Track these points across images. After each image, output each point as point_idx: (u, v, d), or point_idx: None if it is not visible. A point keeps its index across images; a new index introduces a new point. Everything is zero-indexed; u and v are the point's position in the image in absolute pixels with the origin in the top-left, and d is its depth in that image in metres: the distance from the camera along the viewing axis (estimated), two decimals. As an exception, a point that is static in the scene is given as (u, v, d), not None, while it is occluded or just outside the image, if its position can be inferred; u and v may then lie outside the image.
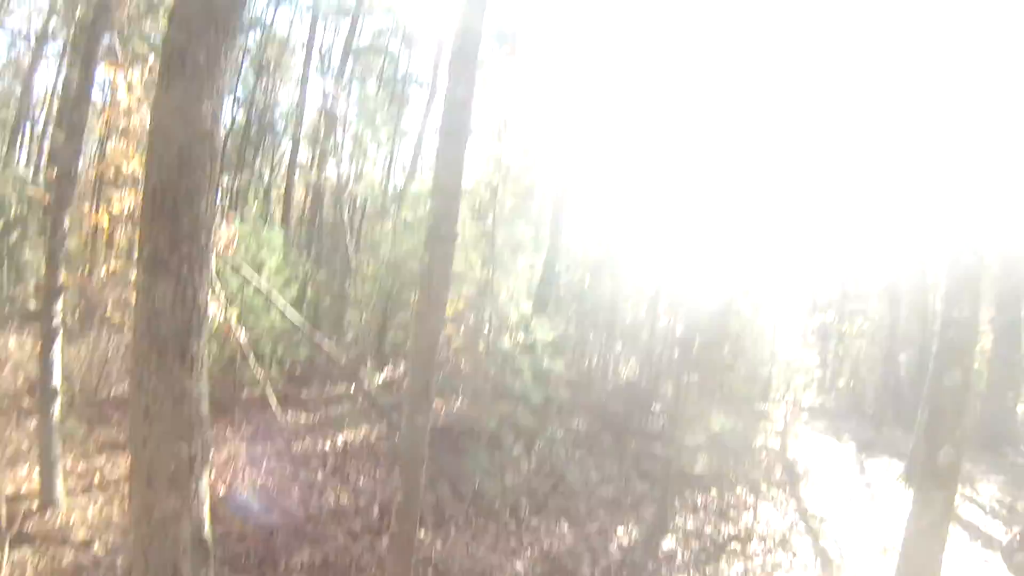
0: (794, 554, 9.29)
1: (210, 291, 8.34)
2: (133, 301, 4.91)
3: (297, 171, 18.97)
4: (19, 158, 17.45)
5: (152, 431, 4.97)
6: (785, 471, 13.41)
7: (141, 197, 5.10)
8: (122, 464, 7.94)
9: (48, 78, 20.93)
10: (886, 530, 9.94)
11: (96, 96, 13.16)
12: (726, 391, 14.56)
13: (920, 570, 6.33)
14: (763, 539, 9.76)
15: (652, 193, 16.64)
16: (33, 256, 12.39)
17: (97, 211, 9.36)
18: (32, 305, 12.00)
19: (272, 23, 19.01)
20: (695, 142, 14.98)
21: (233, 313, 9.59)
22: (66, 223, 7.50)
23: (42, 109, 17.68)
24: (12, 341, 10.92)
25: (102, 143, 10.92)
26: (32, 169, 16.73)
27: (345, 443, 10.37)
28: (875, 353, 21.60)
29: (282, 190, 19.29)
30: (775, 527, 10.32)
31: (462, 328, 12.32)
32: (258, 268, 10.66)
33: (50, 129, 15.98)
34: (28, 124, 17.78)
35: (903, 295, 20.26)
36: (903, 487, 11.87)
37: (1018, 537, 8.22)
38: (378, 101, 18.39)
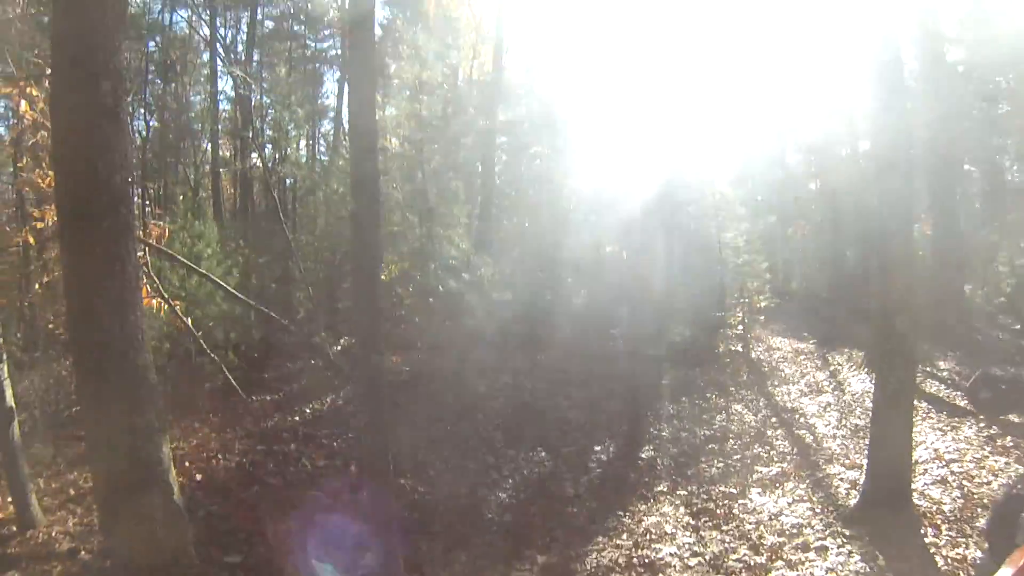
0: (771, 446, 9.51)
1: (147, 285, 8.39)
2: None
3: (222, 165, 18.85)
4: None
5: (102, 406, 5.09)
6: (751, 372, 13.72)
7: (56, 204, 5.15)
8: (95, 475, 7.96)
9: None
10: (856, 412, 10.36)
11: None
12: (680, 304, 14.92)
13: (891, 437, 6.53)
14: (739, 436, 9.99)
15: (585, 120, 16.80)
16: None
17: (22, 230, 9.20)
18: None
19: (171, 25, 18.68)
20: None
21: (178, 306, 9.54)
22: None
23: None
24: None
25: (14, 162, 10.71)
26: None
27: (313, 413, 10.45)
28: (823, 253, 22.04)
29: (210, 186, 19.16)
30: (749, 424, 10.60)
31: (411, 286, 12.47)
32: (195, 261, 10.61)
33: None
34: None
35: (842, 195, 20.68)
36: (867, 372, 12.20)
37: (981, 377, 8.51)
38: (290, 84, 18.26)
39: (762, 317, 17.03)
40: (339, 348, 11.93)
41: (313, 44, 22.05)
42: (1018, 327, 16.92)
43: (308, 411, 10.52)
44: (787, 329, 17.73)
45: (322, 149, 21.31)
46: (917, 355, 7.12)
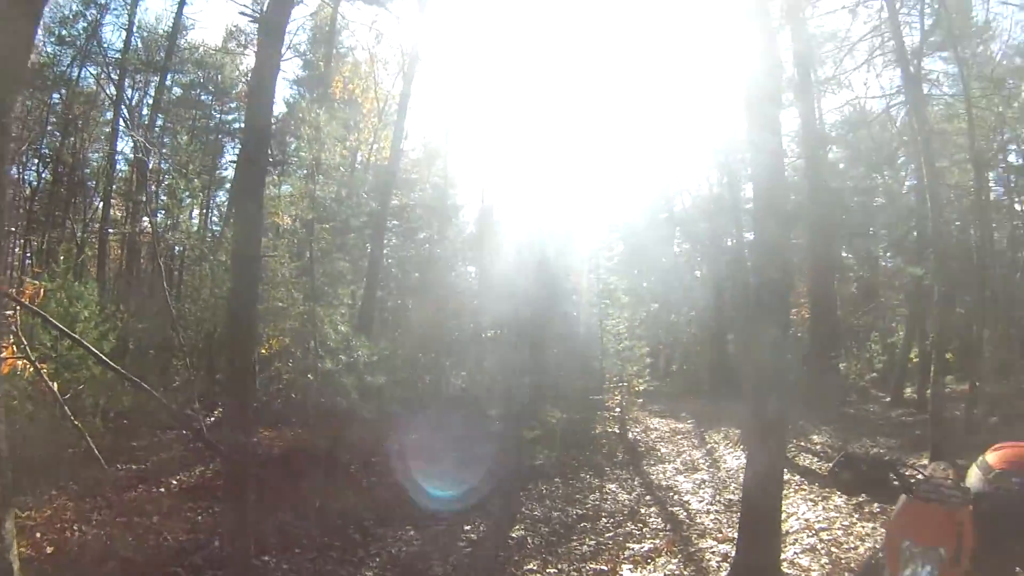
0: (644, 523, 9.78)
1: (14, 345, 8.32)
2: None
3: (111, 226, 18.64)
4: None
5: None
6: (627, 452, 14.20)
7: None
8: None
9: None
10: (730, 488, 10.91)
11: None
12: (561, 388, 15.46)
13: (761, 511, 6.81)
14: (611, 515, 10.22)
15: (473, 209, 17.48)
16: None
17: None
18: None
19: (78, 80, 18.60)
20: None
21: (44, 369, 9.41)
22: None
23: None
24: None
25: None
26: None
27: (180, 484, 10.30)
28: (704, 337, 23.14)
29: (96, 246, 18.75)
30: (623, 503, 10.90)
31: (290, 362, 12.59)
32: (70, 323, 10.48)
33: None
34: None
35: (724, 282, 21.95)
36: (742, 449, 12.83)
37: (842, 459, 9.32)
38: (190, 152, 18.39)
39: (640, 400, 17.70)
40: (212, 420, 11.88)
41: (218, 115, 22.29)
42: (888, 400, 18.24)
43: (175, 483, 10.35)
44: (666, 410, 18.61)
45: (215, 219, 21.39)
46: (786, 433, 7.61)
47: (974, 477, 3.85)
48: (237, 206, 7.65)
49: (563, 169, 17.80)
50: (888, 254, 22.27)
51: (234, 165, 21.06)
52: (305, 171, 13.34)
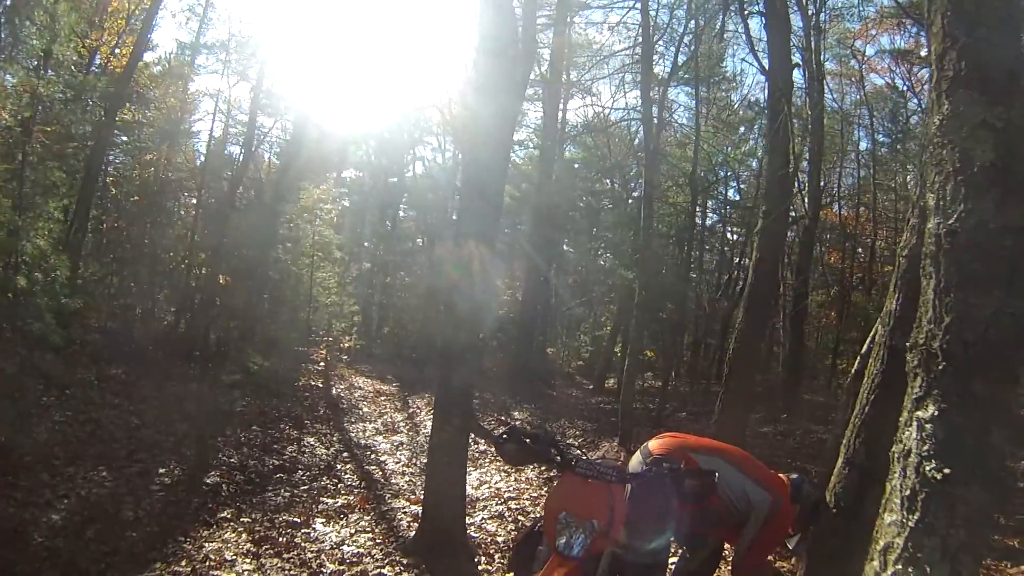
0: (339, 479, 10.09)
1: None
2: None
3: None
4: None
5: None
6: (329, 408, 14.46)
7: None
8: None
9: None
10: (425, 452, 11.06)
11: None
12: (267, 334, 15.48)
13: (443, 479, 7.25)
14: (308, 468, 10.47)
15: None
16: None
17: None
18: None
19: None
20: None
21: None
22: None
23: None
24: None
25: None
26: None
27: None
28: (418, 304, 23.85)
29: None
30: (320, 457, 11.18)
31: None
32: None
33: None
34: None
35: (444, 254, 22.87)
36: None
37: (508, 430, 10.35)
38: None
39: (346, 357, 18.08)
40: None
41: None
42: (591, 388, 20.21)
43: None
44: (372, 371, 19.07)
45: None
46: (471, 405, 8.12)
47: (635, 460, 4.69)
48: None
49: (301, 114, 17.68)
50: (606, 254, 24.46)
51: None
52: (34, 63, 12.01)
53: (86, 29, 13.80)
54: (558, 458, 3.72)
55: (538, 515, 8.26)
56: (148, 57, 17.06)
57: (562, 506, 3.54)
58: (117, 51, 16.55)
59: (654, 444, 4.73)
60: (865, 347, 5.20)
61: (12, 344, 10.47)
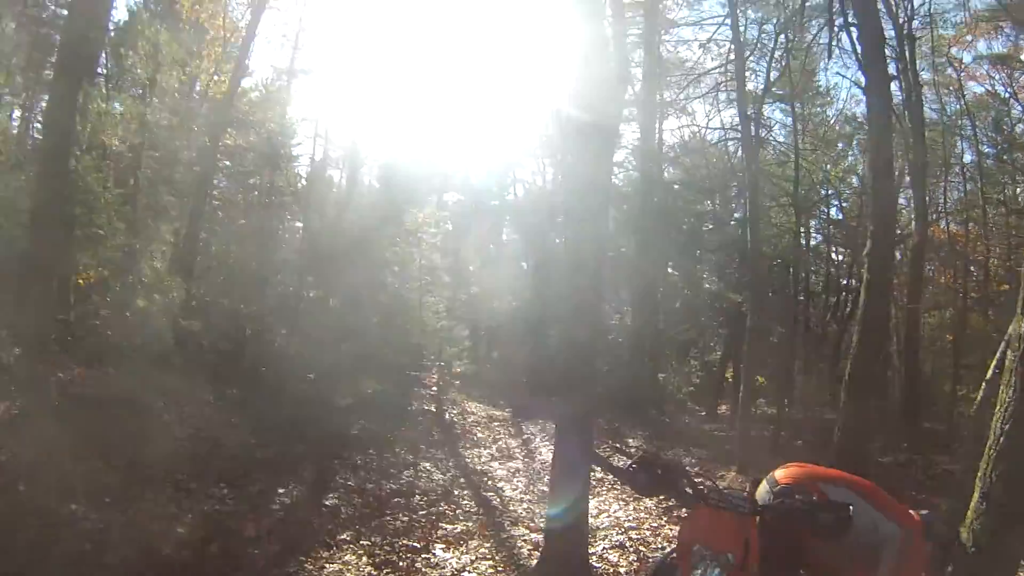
0: (457, 505, 9.84)
1: None
2: None
3: None
4: None
5: None
6: (443, 432, 14.25)
7: None
8: None
9: None
10: (544, 479, 11.12)
11: None
12: (379, 359, 15.27)
13: (567, 505, 6.89)
14: (425, 493, 10.22)
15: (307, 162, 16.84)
16: None
17: None
18: None
19: None
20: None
21: None
22: None
23: None
24: None
25: None
26: None
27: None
28: (526, 328, 23.45)
29: None
30: (437, 482, 10.93)
31: (108, 297, 11.64)
32: None
33: None
34: None
35: (549, 279, 22.40)
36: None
37: (640, 459, 9.81)
38: (15, 44, 16.37)
39: (458, 382, 17.83)
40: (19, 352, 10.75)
41: (52, 6, 19.81)
42: (703, 414, 19.51)
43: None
44: (484, 396, 18.75)
45: (37, 127, 18.94)
46: (593, 432, 7.80)
47: (762, 491, 4.19)
48: (47, 115, 6.98)
49: (403, 137, 17.62)
50: (712, 277, 23.81)
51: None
52: (139, 91, 12.18)
53: (186, 57, 13.93)
54: (688, 490, 3.62)
55: (667, 547, 7.82)
56: (246, 83, 17.51)
57: (696, 538, 3.46)
58: (217, 77, 16.77)
59: (780, 474, 4.28)
60: (990, 372, 4.99)
61: (138, 363, 10.49)
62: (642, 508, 9.66)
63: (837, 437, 10.33)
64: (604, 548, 7.92)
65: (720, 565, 3.29)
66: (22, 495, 6.90)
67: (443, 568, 7.44)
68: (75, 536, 6.94)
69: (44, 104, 18.34)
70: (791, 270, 20.21)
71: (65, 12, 18.95)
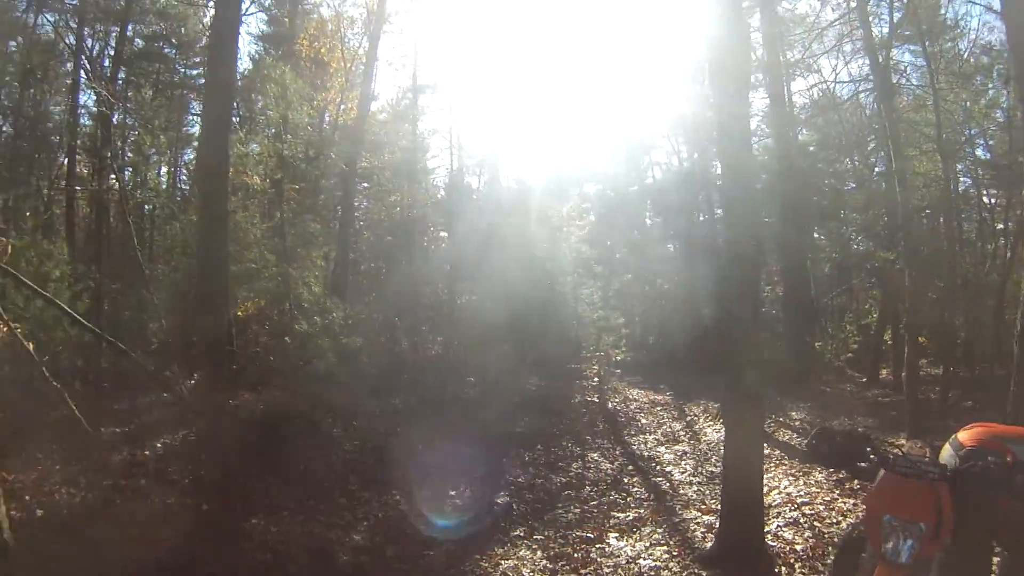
0: (627, 493, 9.85)
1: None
2: None
3: (78, 183, 17.96)
4: None
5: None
6: (607, 422, 14.17)
7: None
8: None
9: None
10: (711, 460, 10.96)
11: None
12: (539, 355, 15.47)
13: (743, 484, 6.87)
14: (595, 484, 10.30)
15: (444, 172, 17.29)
16: None
17: None
18: None
19: (35, 27, 17.62)
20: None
21: (19, 329, 9.00)
22: None
23: None
24: None
25: None
26: None
27: (165, 448, 10.04)
28: (681, 310, 23.09)
29: (64, 203, 18.20)
30: (605, 472, 10.96)
31: (266, 324, 12.42)
32: (41, 283, 10.01)
33: None
34: None
35: (698, 256, 21.96)
36: (721, 423, 12.59)
37: (819, 432, 9.49)
38: (155, 107, 17.83)
39: (618, 370, 17.77)
40: (192, 383, 11.71)
41: (182, 70, 21.44)
42: (864, 381, 18.62)
43: (159, 446, 10.08)
44: (644, 381, 18.49)
45: (183, 178, 20.72)
46: (764, 407, 7.71)
47: (947, 454, 3.96)
48: (199, 164, 7.52)
49: (535, 136, 17.71)
50: (860, 237, 22.55)
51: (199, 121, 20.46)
52: (272, 130, 12.93)
53: (312, 92, 14.64)
54: (872, 457, 3.48)
55: (841, 521, 7.62)
56: (374, 106, 18.18)
57: (885, 508, 3.26)
58: (344, 107, 17.52)
59: (964, 436, 4.01)
60: None
61: (303, 383, 11.14)
62: (812, 482, 9.29)
63: (1013, 394, 9.26)
64: (778, 526, 7.70)
65: (912, 536, 3.13)
66: (204, 514, 7.28)
67: (618, 556, 7.44)
68: (256, 548, 7.42)
69: (189, 156, 19.99)
70: (941, 219, 19.02)
71: (194, 71, 20.63)
